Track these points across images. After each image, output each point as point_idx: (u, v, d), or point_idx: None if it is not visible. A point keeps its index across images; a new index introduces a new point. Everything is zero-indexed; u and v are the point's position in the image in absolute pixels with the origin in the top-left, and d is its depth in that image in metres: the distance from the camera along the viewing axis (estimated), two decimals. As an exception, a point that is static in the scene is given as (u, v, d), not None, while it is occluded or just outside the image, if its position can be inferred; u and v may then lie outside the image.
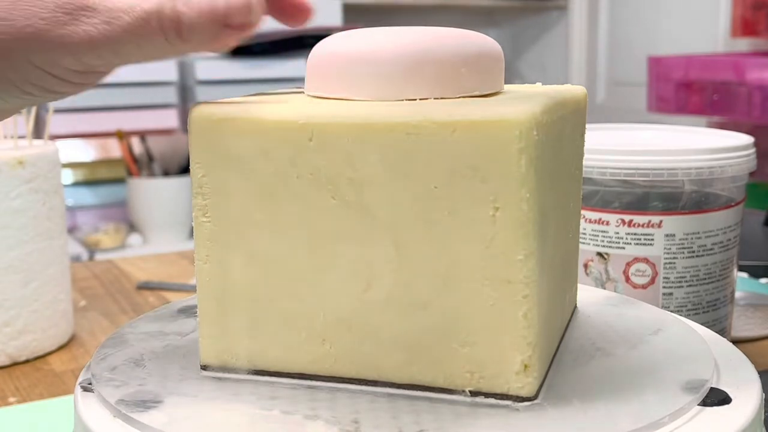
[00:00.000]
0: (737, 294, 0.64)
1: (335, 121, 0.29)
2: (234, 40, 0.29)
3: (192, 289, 0.77)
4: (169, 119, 2.00)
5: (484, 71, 0.33)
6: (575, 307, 0.40)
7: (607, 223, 0.51)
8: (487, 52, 0.33)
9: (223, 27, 0.28)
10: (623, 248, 0.51)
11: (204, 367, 0.33)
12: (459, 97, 0.32)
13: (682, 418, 0.29)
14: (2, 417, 0.52)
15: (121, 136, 1.84)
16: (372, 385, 0.31)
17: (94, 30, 0.27)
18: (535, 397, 0.30)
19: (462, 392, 0.30)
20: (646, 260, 0.51)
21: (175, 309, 0.41)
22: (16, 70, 0.28)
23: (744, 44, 1.48)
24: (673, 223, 0.50)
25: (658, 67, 1.26)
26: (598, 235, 0.52)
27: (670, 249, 0.50)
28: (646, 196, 0.51)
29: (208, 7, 0.28)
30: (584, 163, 0.41)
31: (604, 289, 0.51)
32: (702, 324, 0.42)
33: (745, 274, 0.77)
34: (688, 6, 1.90)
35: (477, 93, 0.33)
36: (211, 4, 0.28)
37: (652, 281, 0.51)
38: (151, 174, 1.88)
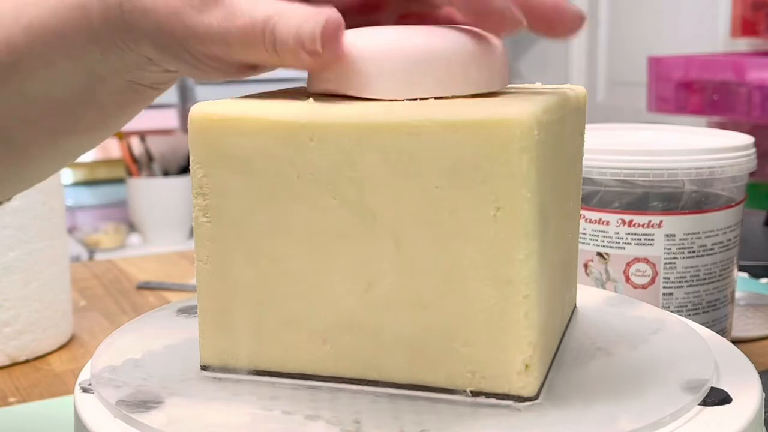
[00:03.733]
0: (737, 294, 0.64)
1: (336, 121, 0.29)
2: (317, 65, 0.32)
3: (192, 289, 0.77)
4: (169, 119, 2.00)
5: (488, 69, 0.33)
6: (575, 307, 0.40)
7: (607, 223, 0.51)
8: (490, 50, 0.33)
9: (305, 52, 0.31)
10: (623, 248, 0.51)
11: (204, 368, 0.33)
12: (462, 96, 0.32)
13: (683, 418, 0.29)
14: (2, 417, 0.52)
15: (121, 136, 1.84)
16: (373, 386, 0.31)
17: (216, 22, 0.31)
18: (536, 396, 0.30)
19: (463, 392, 0.30)
20: (646, 260, 0.51)
21: (175, 309, 0.40)
22: (168, 44, 0.33)
23: (744, 44, 1.48)
24: (673, 223, 0.50)
25: (658, 67, 1.25)
26: (598, 235, 0.52)
27: (670, 249, 0.50)
28: (646, 196, 0.51)
29: (294, 33, 0.31)
30: (584, 163, 0.41)
31: (604, 289, 0.51)
32: (702, 324, 0.42)
33: (745, 274, 0.77)
34: (688, 6, 1.90)
35: (481, 91, 0.33)
36: (298, 30, 0.31)
37: (652, 281, 0.51)
38: (151, 174, 1.88)
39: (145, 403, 0.30)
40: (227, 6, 0.31)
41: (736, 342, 0.54)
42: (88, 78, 0.36)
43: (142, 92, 0.38)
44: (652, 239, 0.50)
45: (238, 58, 0.33)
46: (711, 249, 0.51)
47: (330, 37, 0.31)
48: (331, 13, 0.31)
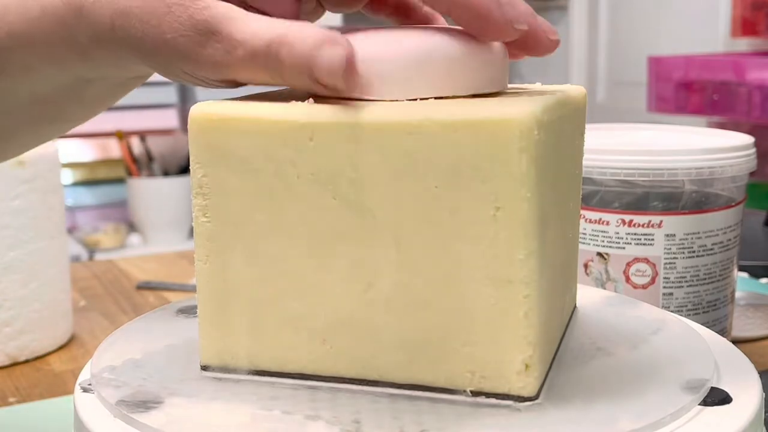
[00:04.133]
0: (737, 294, 0.64)
1: (336, 120, 0.29)
2: (326, 93, 0.31)
3: (192, 289, 0.77)
4: (169, 119, 2.00)
5: (488, 70, 0.33)
6: (575, 307, 0.40)
7: (607, 223, 0.51)
8: (490, 50, 0.33)
9: (314, 81, 0.30)
10: (623, 248, 0.51)
11: (204, 368, 0.33)
12: (461, 97, 0.32)
13: (683, 418, 0.29)
14: (2, 417, 0.52)
15: (121, 136, 1.84)
16: (373, 385, 0.31)
17: (217, 55, 0.30)
18: (536, 396, 0.30)
19: (463, 392, 0.30)
20: (646, 260, 0.51)
21: (175, 309, 0.40)
22: (167, 68, 0.32)
23: (744, 44, 1.48)
24: (674, 223, 0.50)
25: (658, 67, 1.25)
26: (598, 235, 0.52)
27: (670, 249, 0.50)
28: (646, 196, 0.51)
29: (303, 61, 0.30)
30: (584, 163, 0.41)
31: (604, 289, 0.51)
32: (702, 324, 0.42)
33: (745, 274, 0.77)
34: (688, 6, 1.90)
35: (480, 92, 0.33)
36: (308, 59, 0.29)
37: (653, 281, 0.51)
38: (151, 174, 1.88)
39: (145, 403, 0.30)
40: (225, 38, 0.30)
41: (736, 342, 0.54)
42: (74, 81, 0.35)
43: (130, 86, 0.38)
44: (652, 239, 0.50)
45: (241, 81, 0.32)
46: (711, 249, 0.51)
47: (349, 72, 0.30)
48: (344, 44, 0.29)
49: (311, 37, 0.30)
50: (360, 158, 0.29)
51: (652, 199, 0.51)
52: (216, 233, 0.32)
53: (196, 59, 0.31)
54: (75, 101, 0.37)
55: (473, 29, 0.32)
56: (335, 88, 0.30)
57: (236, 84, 0.33)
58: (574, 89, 0.36)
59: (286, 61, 0.30)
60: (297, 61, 0.30)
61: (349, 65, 0.30)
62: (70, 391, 0.52)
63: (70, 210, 1.90)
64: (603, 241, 0.51)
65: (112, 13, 0.31)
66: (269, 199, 0.31)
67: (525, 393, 0.30)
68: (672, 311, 0.47)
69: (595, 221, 0.52)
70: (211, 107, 0.31)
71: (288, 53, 0.30)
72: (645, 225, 0.50)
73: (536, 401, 0.30)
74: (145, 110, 1.94)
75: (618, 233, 0.51)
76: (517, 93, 0.34)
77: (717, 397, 0.30)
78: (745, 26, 1.35)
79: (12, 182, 0.58)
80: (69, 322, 0.65)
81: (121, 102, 0.42)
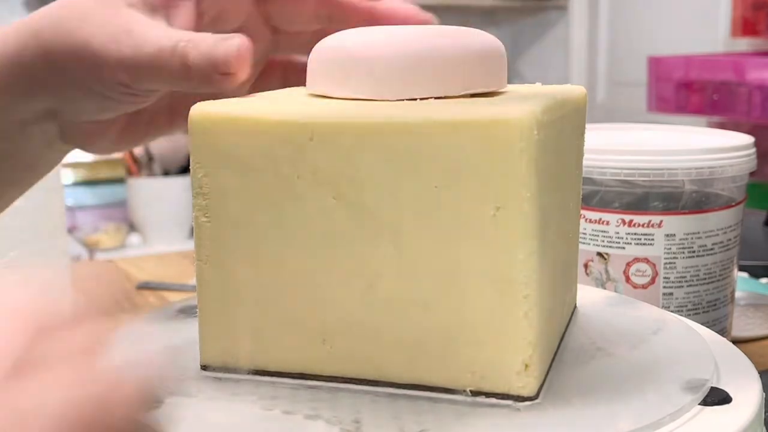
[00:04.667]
0: (737, 294, 0.64)
1: (336, 120, 0.29)
2: (230, 85, 0.34)
3: (192, 289, 0.77)
4: (169, 119, 1.99)
5: (486, 70, 0.33)
6: (575, 307, 0.40)
7: (607, 223, 0.51)
8: (489, 50, 0.33)
9: (216, 73, 0.33)
10: (623, 248, 0.51)
11: (204, 367, 0.33)
12: (461, 96, 0.32)
13: (683, 418, 0.29)
14: (2, 417, 0.52)
15: (121, 136, 1.84)
16: (373, 385, 0.31)
17: (126, 50, 0.34)
18: (536, 396, 0.30)
19: (463, 392, 0.30)
20: (646, 260, 0.51)
21: (175, 309, 0.40)
22: (95, 77, 0.35)
23: (744, 44, 1.48)
24: (674, 223, 0.50)
25: (658, 67, 1.25)
26: (598, 235, 0.52)
27: (670, 249, 0.50)
28: (646, 196, 0.51)
29: (207, 55, 0.33)
30: (584, 163, 0.41)
31: (604, 289, 0.51)
32: (702, 324, 0.42)
33: (745, 274, 0.77)
34: (688, 6, 1.90)
35: (479, 91, 0.33)
36: (211, 53, 0.33)
37: (653, 281, 0.51)
38: (151, 174, 1.88)
39: (145, 403, 0.30)
40: (136, 35, 0.34)
41: (736, 342, 0.53)
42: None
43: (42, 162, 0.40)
44: (652, 239, 0.50)
45: (148, 85, 0.35)
46: (711, 249, 0.51)
47: (243, 59, 0.33)
48: (241, 36, 0.33)
49: (213, 36, 0.34)
50: (360, 158, 0.29)
51: (652, 199, 0.51)
52: (216, 233, 0.32)
53: (106, 55, 0.34)
54: None
55: None
56: (234, 80, 0.33)
57: (142, 97, 0.36)
58: (574, 89, 0.36)
59: (193, 59, 0.33)
60: (202, 57, 0.33)
61: (245, 56, 0.33)
62: (70, 391, 0.52)
63: (70, 210, 1.90)
64: (603, 241, 0.51)
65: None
66: (269, 199, 0.31)
67: (525, 393, 0.30)
68: (672, 311, 0.47)
69: (595, 221, 0.51)
70: (211, 107, 0.31)
71: (193, 49, 0.33)
72: (645, 225, 0.50)
73: (536, 401, 0.30)
74: (146, 110, 1.93)
75: (618, 233, 0.51)
76: (516, 93, 0.34)
77: (717, 397, 0.30)
78: (745, 26, 1.35)
79: (12, 182, 0.58)
80: (69, 322, 0.65)
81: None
